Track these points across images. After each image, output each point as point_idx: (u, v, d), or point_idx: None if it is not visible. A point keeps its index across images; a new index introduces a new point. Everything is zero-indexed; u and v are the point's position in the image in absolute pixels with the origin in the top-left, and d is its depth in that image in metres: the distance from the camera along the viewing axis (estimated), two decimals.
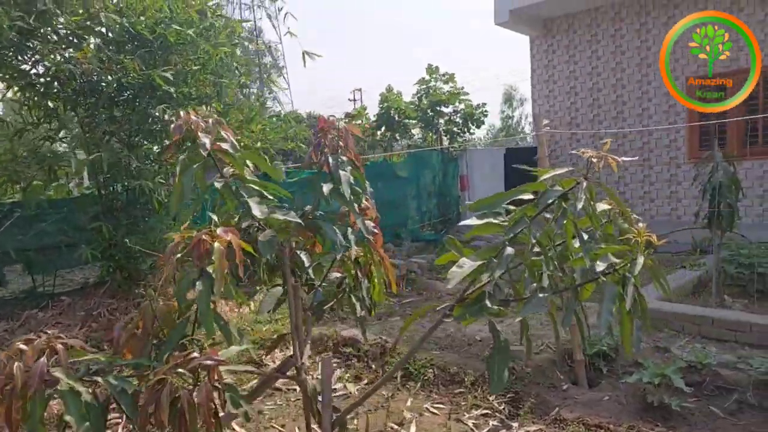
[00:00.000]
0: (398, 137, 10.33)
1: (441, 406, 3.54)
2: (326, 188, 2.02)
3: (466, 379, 3.77)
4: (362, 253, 2.36)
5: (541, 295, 1.77)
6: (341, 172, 2.06)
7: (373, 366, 4.17)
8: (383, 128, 10.14)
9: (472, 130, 10.12)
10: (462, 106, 10.27)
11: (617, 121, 10.59)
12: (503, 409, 3.44)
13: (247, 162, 2.02)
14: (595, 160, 1.76)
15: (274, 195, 2.06)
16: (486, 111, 9.98)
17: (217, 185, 1.88)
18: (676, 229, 7.12)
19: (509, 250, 1.76)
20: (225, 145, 1.92)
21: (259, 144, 5.80)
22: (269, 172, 2.14)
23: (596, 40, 10.72)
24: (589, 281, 1.81)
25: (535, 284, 1.84)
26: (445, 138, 10.14)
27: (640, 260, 1.68)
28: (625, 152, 10.52)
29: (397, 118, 9.76)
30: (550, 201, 1.78)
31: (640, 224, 1.81)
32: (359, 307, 2.43)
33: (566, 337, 4.01)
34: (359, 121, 10.19)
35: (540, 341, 4.48)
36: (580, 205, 1.69)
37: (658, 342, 4.30)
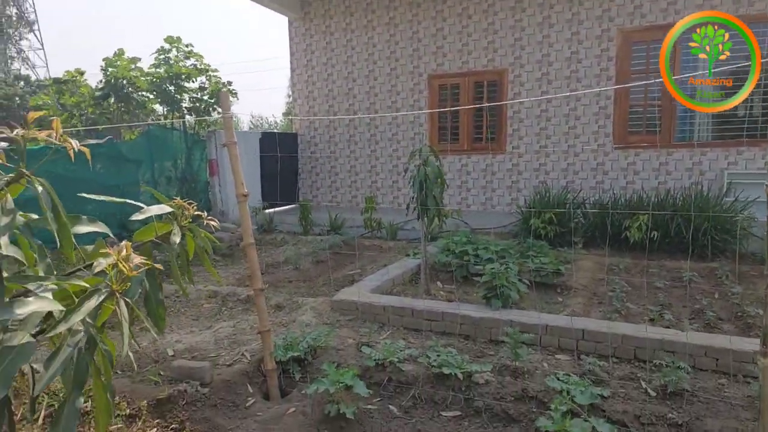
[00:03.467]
0: (135, 111, 8.91)
1: None
2: None
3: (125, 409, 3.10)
4: None
5: None
6: None
7: None
8: (111, 99, 8.60)
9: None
10: (210, 83, 9.33)
11: (370, 112, 10.86)
12: None
13: None
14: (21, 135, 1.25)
15: None
16: (235, 90, 9.24)
17: None
18: (404, 220, 7.43)
19: None
20: None
21: None
22: None
23: (351, 29, 10.81)
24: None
25: None
26: (190, 117, 9.11)
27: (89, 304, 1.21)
28: (377, 142, 10.87)
29: (129, 90, 8.37)
30: None
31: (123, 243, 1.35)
32: None
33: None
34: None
35: (242, 348, 4.03)
36: None
37: (363, 337, 4.21)
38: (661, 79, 7.84)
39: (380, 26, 10.53)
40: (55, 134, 1.28)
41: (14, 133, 1.24)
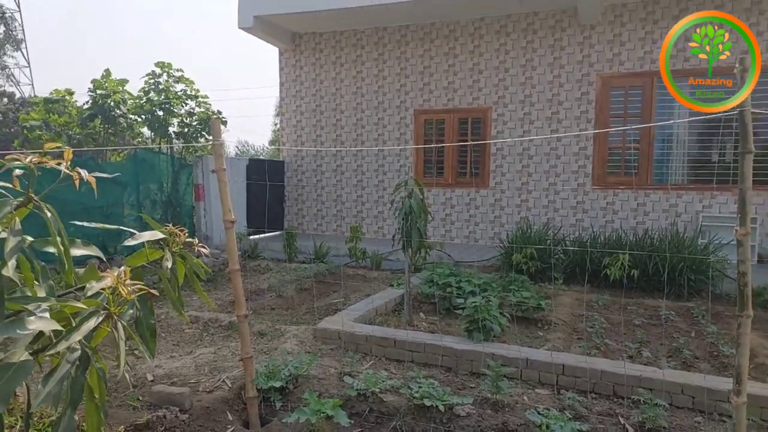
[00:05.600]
0: (121, 134, 8.91)
1: None
2: None
3: None
4: None
5: None
6: None
7: None
8: (98, 121, 8.60)
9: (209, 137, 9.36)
10: (199, 109, 9.41)
11: (357, 144, 11.03)
12: None
13: None
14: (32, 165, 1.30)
15: None
16: (224, 118, 9.32)
17: None
18: (389, 251, 7.48)
19: None
20: None
21: None
22: None
23: (340, 63, 11.05)
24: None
25: None
26: (177, 142, 9.15)
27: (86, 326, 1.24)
28: (363, 173, 10.99)
29: (118, 112, 8.39)
30: None
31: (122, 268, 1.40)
32: None
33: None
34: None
35: (223, 375, 3.99)
36: None
37: (346, 367, 4.20)
38: (637, 126, 8.13)
39: (369, 61, 10.80)
40: (64, 163, 1.33)
41: (27, 160, 1.29)
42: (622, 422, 3.33)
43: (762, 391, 3.46)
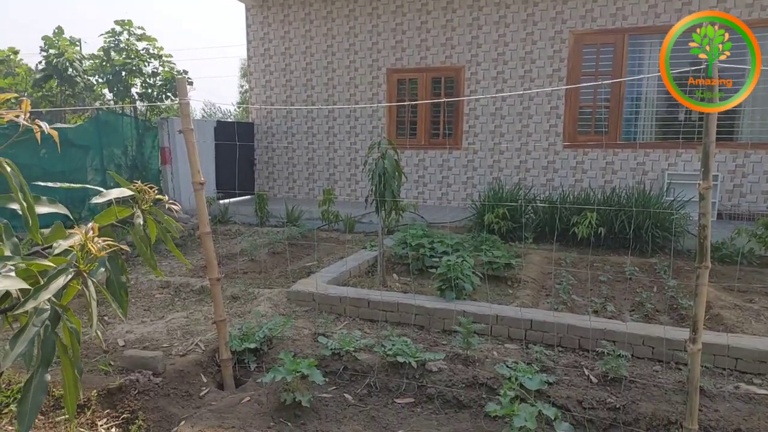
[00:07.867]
0: (81, 95, 8.50)
1: None
2: None
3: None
4: None
5: None
6: None
7: None
8: (54, 82, 8.17)
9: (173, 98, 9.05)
10: (164, 68, 9.03)
11: (328, 104, 10.83)
12: None
13: None
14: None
15: None
16: (190, 78, 8.99)
17: None
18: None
19: None
20: None
21: None
22: None
23: (309, 20, 10.72)
24: None
25: None
26: (141, 103, 8.81)
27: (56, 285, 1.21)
28: (335, 135, 10.85)
29: (73, 72, 7.98)
30: None
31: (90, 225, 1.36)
32: None
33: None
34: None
35: (196, 338, 3.99)
36: None
37: (320, 328, 4.24)
38: (609, 81, 8.21)
39: (339, 18, 10.49)
40: (23, 115, 1.26)
41: None
42: (587, 373, 3.47)
43: (716, 339, 3.63)
